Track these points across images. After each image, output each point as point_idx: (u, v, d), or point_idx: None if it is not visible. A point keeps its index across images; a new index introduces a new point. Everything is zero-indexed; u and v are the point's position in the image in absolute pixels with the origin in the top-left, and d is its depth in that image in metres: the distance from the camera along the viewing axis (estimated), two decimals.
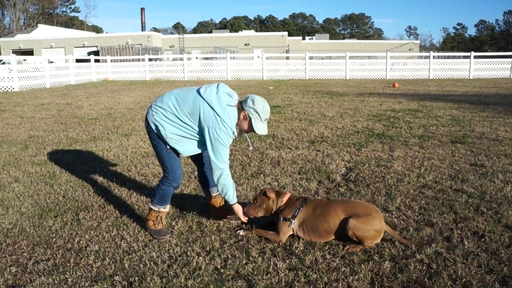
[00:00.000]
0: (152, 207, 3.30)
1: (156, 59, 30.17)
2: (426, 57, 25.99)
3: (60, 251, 3.04)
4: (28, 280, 2.67)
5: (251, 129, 3.04)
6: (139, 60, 28.72)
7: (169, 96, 3.06)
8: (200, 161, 3.48)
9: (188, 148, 3.12)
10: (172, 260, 2.89)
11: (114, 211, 3.80)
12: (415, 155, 5.62)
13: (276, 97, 13.71)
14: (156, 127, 3.04)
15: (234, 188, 3.15)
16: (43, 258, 2.95)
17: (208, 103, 2.93)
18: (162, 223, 3.31)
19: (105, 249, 3.05)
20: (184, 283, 2.60)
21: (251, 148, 3.56)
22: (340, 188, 4.33)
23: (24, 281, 2.65)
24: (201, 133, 3.00)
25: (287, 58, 29.84)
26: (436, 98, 12.51)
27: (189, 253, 2.98)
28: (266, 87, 18.26)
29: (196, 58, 30.29)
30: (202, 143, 3.10)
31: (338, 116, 9.22)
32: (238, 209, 3.24)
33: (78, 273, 2.72)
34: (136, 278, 2.66)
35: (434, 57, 24.81)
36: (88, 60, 25.45)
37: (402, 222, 3.41)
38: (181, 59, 26.42)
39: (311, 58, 26.55)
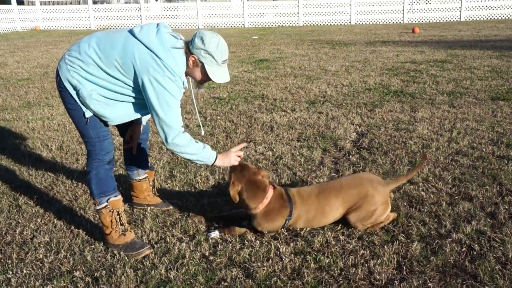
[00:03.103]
0: (99, 206, 2.96)
1: (103, 2, 29.55)
2: None
3: None
4: None
5: (206, 77, 2.85)
6: (79, 2, 28.08)
7: (88, 42, 2.78)
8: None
9: (119, 113, 2.87)
10: None
11: (66, 193, 3.83)
12: (444, 115, 5.75)
13: (262, 49, 13.68)
14: (75, 87, 2.77)
15: (199, 142, 2.91)
16: None
17: (145, 45, 2.69)
18: (125, 226, 3.01)
19: (58, 240, 3.10)
20: (165, 275, 2.68)
21: (202, 133, 3.27)
22: (351, 157, 4.43)
23: None
24: (138, 90, 2.77)
25: None
26: (470, 45, 12.66)
27: (168, 239, 3.05)
28: (249, 36, 18.15)
29: (156, 0, 29.79)
30: (140, 105, 2.88)
31: (343, 70, 9.30)
32: (224, 160, 3.01)
33: (25, 271, 2.76)
34: (103, 272, 2.72)
35: None
36: (7, 2, 24.72)
37: (432, 196, 3.54)
38: (137, 2, 25.92)
39: None
